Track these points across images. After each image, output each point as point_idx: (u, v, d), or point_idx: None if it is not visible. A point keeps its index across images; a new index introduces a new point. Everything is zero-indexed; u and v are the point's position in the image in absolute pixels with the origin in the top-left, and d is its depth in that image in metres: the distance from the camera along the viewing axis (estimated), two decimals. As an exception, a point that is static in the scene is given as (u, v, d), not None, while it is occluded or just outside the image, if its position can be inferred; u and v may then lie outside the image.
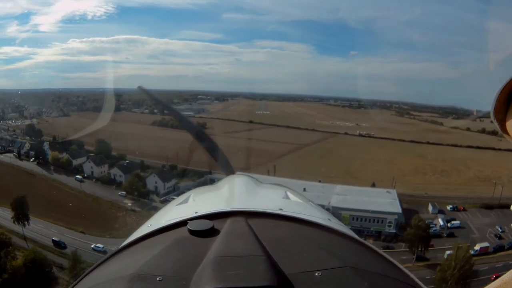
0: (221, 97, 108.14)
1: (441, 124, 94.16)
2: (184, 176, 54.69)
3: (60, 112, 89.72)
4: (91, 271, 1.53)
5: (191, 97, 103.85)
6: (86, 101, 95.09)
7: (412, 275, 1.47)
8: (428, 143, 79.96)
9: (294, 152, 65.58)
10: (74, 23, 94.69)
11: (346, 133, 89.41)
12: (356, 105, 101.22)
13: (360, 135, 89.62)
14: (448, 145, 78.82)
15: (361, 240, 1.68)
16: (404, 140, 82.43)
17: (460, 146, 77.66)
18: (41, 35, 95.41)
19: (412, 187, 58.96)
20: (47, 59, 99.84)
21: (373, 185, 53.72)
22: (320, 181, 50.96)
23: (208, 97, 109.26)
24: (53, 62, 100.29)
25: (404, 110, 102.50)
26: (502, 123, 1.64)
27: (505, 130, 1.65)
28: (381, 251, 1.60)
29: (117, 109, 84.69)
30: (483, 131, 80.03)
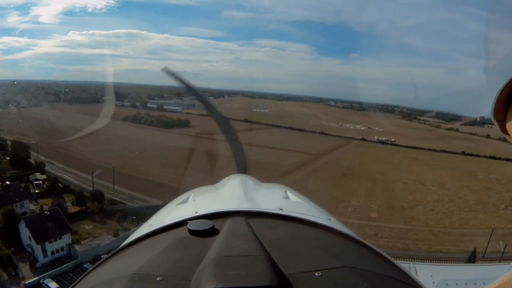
0: (217, 94, 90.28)
1: (457, 130, 73.49)
2: (105, 220, 26.24)
3: (31, 102, 70.32)
4: (91, 271, 1.37)
5: (186, 92, 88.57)
6: (69, 92, 77.85)
7: (412, 275, 1.32)
8: (463, 153, 56.54)
9: (304, 167, 38.07)
10: (75, 15, 79.99)
11: (363, 139, 63.49)
12: (358, 107, 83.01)
13: (381, 142, 64.08)
14: (486, 156, 55.46)
15: (361, 240, 1.50)
16: (434, 150, 59.81)
17: (499, 158, 54.40)
18: (41, 27, 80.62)
19: (498, 235, 32.19)
20: (46, 51, 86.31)
21: (474, 255, 25.70)
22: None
23: (204, 93, 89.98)
24: (52, 54, 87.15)
25: (408, 114, 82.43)
26: (502, 123, 1.52)
27: (505, 130, 1.53)
28: (381, 251, 1.44)
29: (94, 101, 67.97)
30: (505, 139, 57.29)
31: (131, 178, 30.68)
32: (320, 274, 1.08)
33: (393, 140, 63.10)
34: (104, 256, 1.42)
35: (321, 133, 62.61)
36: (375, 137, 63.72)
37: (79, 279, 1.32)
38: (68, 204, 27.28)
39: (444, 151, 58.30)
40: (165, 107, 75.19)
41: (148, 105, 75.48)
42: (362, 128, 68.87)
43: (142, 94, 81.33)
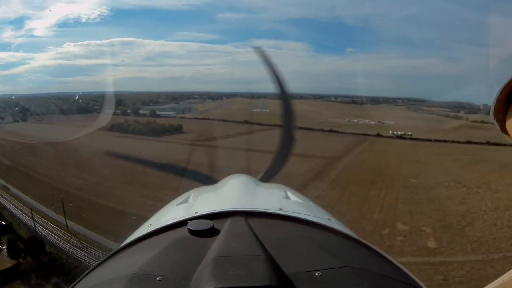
0: (215, 96, 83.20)
1: (467, 119, 65.31)
2: (42, 284, 16.15)
3: (16, 117, 63.06)
4: (91, 271, 1.32)
5: (184, 97, 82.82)
6: (59, 104, 70.33)
7: (412, 275, 1.27)
8: (488, 143, 48.83)
9: (322, 176, 28.90)
10: (69, 27, 75.55)
11: (378, 135, 54.65)
12: (359, 101, 75.92)
13: (399, 137, 55.20)
14: (511, 145, 47.67)
15: (361, 240, 1.45)
16: (458, 142, 51.35)
17: (526, 147, 45.81)
18: (36, 40, 76.32)
19: None
20: (42, 64, 78.98)
21: None
22: None
23: (202, 96, 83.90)
24: (48, 67, 79.32)
25: (412, 105, 74.77)
26: (502, 123, 1.47)
27: (505, 130, 1.47)
28: (381, 251, 1.38)
29: (86, 111, 60.03)
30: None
31: (98, 208, 22.08)
32: (320, 274, 1.03)
33: (409, 133, 54.79)
34: (104, 256, 1.32)
35: (331, 130, 53.95)
36: (390, 132, 55.08)
37: (78, 279, 1.23)
38: (4, 253, 18.63)
39: (469, 142, 49.76)
40: (159, 112, 67.29)
41: (140, 111, 67.32)
42: (372, 123, 60.37)
43: (136, 101, 74.33)
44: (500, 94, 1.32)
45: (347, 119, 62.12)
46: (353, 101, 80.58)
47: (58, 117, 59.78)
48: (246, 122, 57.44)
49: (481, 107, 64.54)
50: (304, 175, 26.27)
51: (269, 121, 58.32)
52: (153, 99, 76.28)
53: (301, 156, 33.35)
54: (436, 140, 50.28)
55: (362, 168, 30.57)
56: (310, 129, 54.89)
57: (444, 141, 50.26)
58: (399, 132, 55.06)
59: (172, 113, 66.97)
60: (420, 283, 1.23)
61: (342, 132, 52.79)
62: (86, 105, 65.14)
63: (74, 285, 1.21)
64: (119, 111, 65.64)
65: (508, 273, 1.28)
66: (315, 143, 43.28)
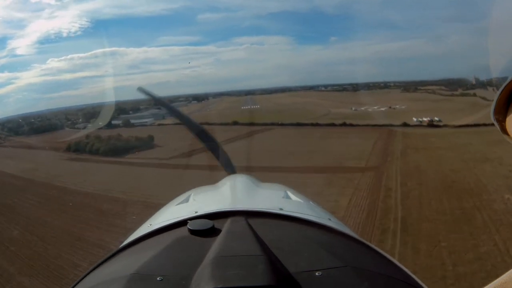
0: (200, 97, 74.11)
1: (474, 95, 55.16)
2: None
3: None
4: (91, 271, 1.29)
5: (169, 101, 71.27)
6: (35, 123, 58.40)
7: (413, 275, 1.24)
8: None
9: (377, 216, 16.53)
10: (51, 43, 68.50)
11: (405, 124, 42.61)
12: (350, 88, 67.41)
13: (430, 125, 42.92)
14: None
15: (362, 240, 1.40)
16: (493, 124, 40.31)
17: None
18: (20, 59, 70.63)
19: None
20: (28, 82, 74.36)
21: None
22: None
23: (187, 99, 74.71)
24: (34, 85, 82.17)
25: (408, 87, 66.51)
26: (501, 123, 1.41)
27: (505, 131, 1.42)
28: (381, 251, 1.34)
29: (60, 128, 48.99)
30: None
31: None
32: (320, 274, 1.02)
33: (436, 119, 43.43)
34: (104, 256, 1.30)
35: (343, 124, 42.00)
36: (414, 119, 43.62)
37: (78, 279, 1.21)
38: None
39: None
40: (133, 121, 54.78)
41: (113, 122, 54.50)
42: (383, 109, 48.82)
43: (114, 111, 62.69)
44: (500, 94, 1.25)
45: (352, 108, 50.35)
46: (344, 88, 72.92)
47: (26, 138, 48.44)
48: (236, 123, 45.24)
49: (474, 81, 57.35)
50: (348, 217, 13.93)
51: (264, 119, 46.49)
52: (133, 107, 65.93)
53: (326, 171, 21.02)
54: (472, 125, 38.77)
55: (426, 186, 18.31)
56: (317, 124, 43.00)
57: (484, 124, 38.77)
58: (425, 119, 43.75)
59: (148, 120, 54.53)
60: (421, 282, 1.17)
61: (357, 125, 40.89)
62: (57, 121, 53.77)
63: (74, 285, 1.16)
64: (90, 125, 53.68)
65: (508, 272, 1.17)
66: (334, 144, 31.21)
